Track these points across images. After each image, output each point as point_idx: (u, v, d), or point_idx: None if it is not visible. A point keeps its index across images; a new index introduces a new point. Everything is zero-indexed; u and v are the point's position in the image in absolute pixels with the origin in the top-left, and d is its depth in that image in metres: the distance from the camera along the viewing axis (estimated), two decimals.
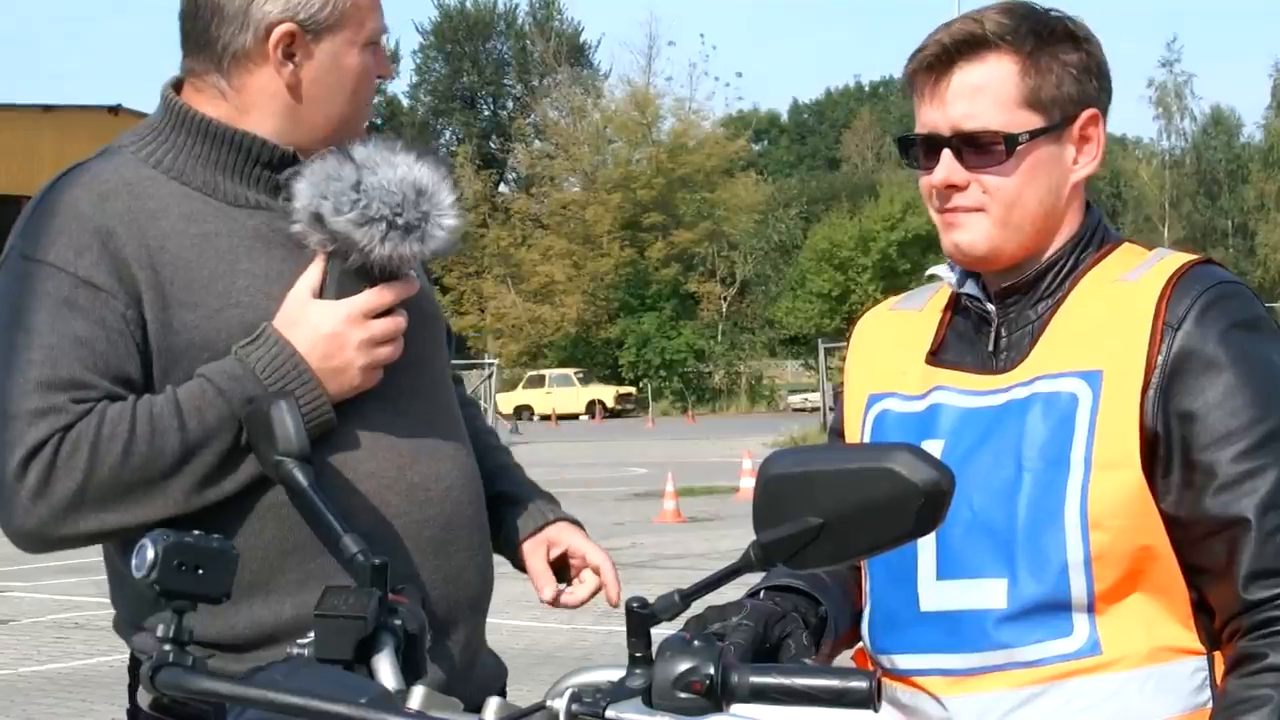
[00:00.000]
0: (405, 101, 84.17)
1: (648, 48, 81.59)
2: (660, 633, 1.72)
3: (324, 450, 2.28)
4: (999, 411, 2.22)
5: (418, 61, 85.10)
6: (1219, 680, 2.16)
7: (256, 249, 2.35)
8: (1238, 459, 2.12)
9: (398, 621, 1.93)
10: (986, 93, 2.23)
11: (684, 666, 1.66)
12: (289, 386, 2.27)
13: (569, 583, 2.64)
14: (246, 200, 2.39)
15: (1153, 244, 2.41)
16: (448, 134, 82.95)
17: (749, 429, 40.99)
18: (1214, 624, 2.18)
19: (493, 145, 79.01)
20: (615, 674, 1.75)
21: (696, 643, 1.68)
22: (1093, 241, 2.31)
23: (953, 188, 2.26)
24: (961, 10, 2.38)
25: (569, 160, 69.96)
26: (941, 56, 2.25)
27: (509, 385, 58.07)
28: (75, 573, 13.97)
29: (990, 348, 2.30)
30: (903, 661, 2.26)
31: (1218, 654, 2.18)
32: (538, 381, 59.78)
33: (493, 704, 1.79)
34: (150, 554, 1.75)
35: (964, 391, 2.27)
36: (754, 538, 1.75)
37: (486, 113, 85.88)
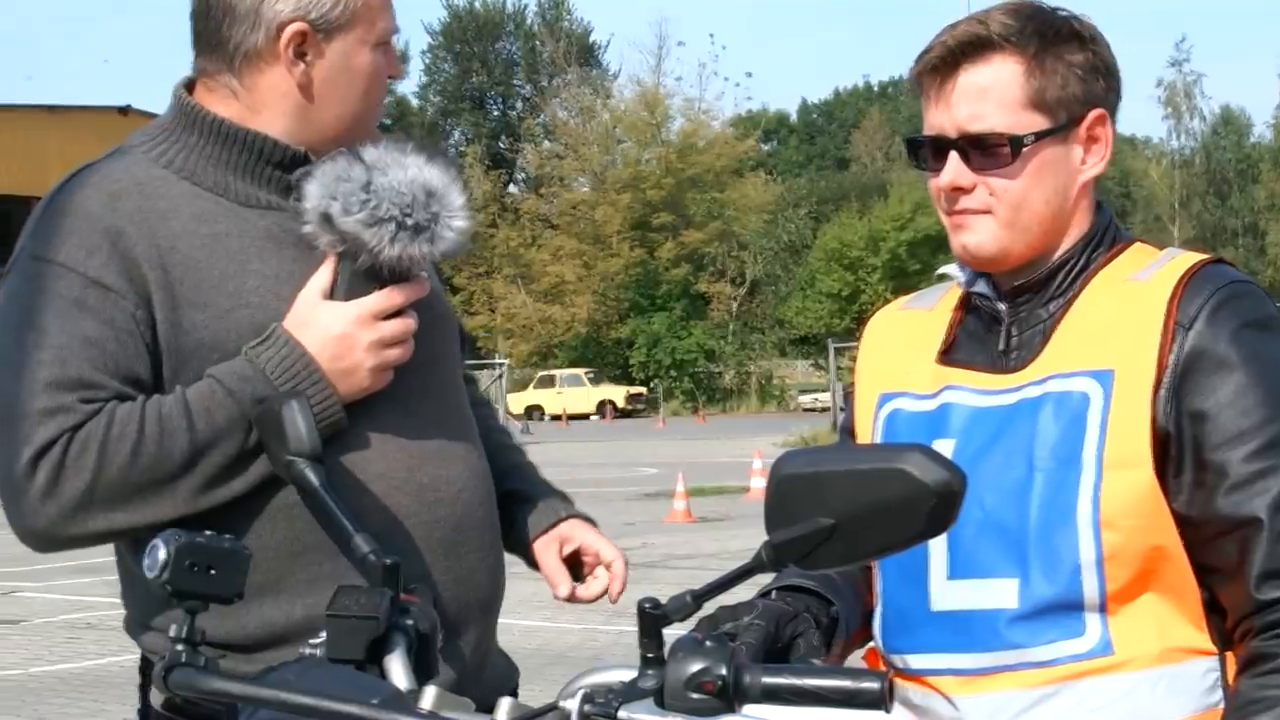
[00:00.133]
0: (414, 102, 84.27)
1: (657, 48, 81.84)
2: (672, 633, 1.72)
3: (334, 451, 2.28)
4: (1010, 411, 2.22)
5: (427, 62, 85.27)
6: (1231, 681, 2.16)
7: (267, 249, 2.35)
8: (1249, 459, 2.12)
9: (410, 622, 1.93)
10: (991, 94, 2.23)
11: (696, 667, 1.66)
12: (299, 387, 2.27)
13: (582, 580, 2.64)
14: (257, 200, 2.39)
15: (1163, 244, 2.41)
16: (457, 134, 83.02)
17: (759, 429, 40.98)
18: (1226, 624, 2.17)
19: (502, 145, 79.09)
20: (627, 674, 1.75)
21: (708, 643, 1.68)
22: (1104, 241, 2.31)
23: (959, 190, 2.26)
24: (971, 10, 2.38)
25: (578, 160, 69.98)
26: (946, 59, 2.24)
27: (519, 385, 58.12)
28: (87, 573, 13.98)
29: (1001, 347, 2.29)
30: (914, 661, 2.26)
31: (1230, 654, 2.17)
32: (548, 382, 59.80)
33: (505, 704, 1.79)
34: (162, 554, 1.75)
35: (975, 391, 2.27)
36: (765, 538, 1.75)
37: (496, 113, 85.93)
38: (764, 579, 2.05)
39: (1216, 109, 68.24)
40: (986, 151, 2.23)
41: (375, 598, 1.91)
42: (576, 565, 2.64)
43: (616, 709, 1.68)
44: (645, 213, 66.33)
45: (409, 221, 2.30)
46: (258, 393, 2.25)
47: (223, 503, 2.27)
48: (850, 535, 1.71)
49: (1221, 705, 2.16)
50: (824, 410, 47.27)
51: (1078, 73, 2.24)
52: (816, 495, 1.72)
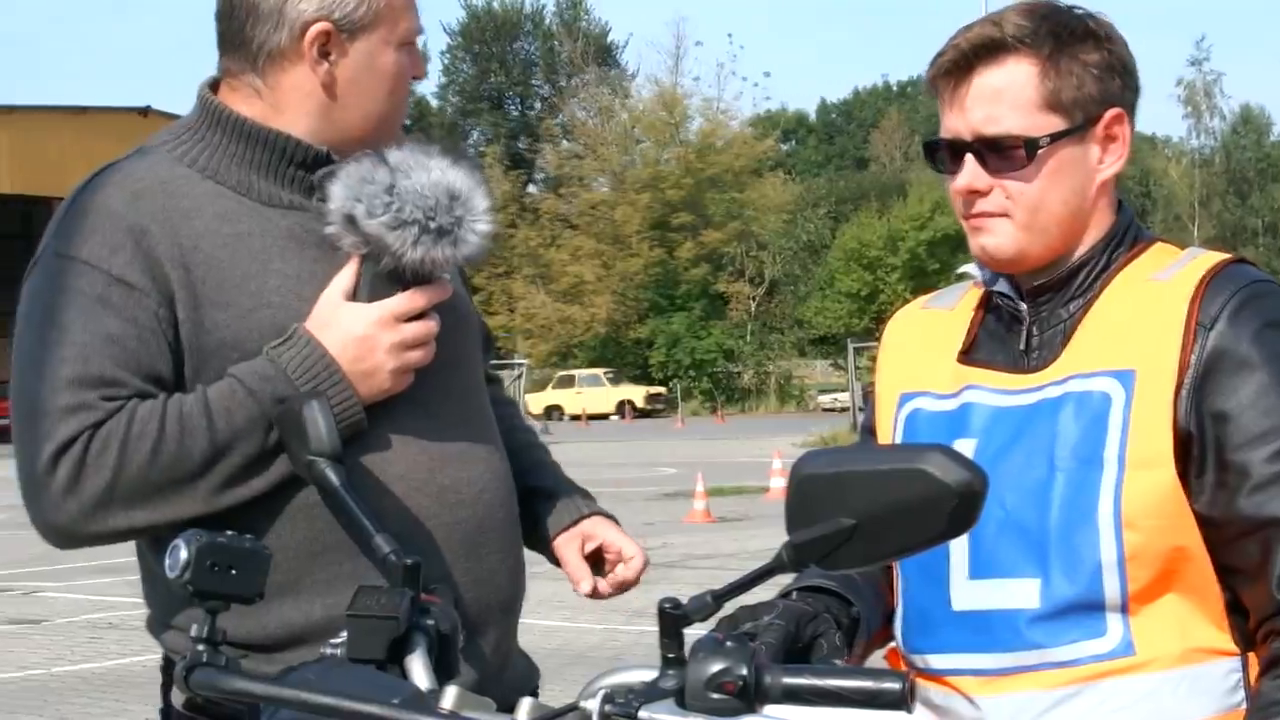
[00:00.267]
0: (434, 102, 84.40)
1: (675, 48, 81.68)
2: (692, 633, 1.72)
3: (355, 452, 2.28)
4: (1031, 410, 2.22)
5: (446, 62, 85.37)
6: (1253, 681, 2.15)
7: (290, 249, 2.36)
8: (1271, 459, 2.11)
9: (430, 622, 1.93)
10: (1005, 97, 2.22)
11: (717, 667, 1.66)
12: (320, 388, 2.27)
13: (604, 577, 2.64)
14: (280, 200, 2.39)
15: (1184, 243, 2.40)
16: (476, 134, 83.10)
17: (779, 429, 40.96)
18: (1248, 625, 2.17)
19: (521, 146, 79.11)
20: (648, 675, 1.74)
21: (729, 643, 1.68)
22: (1125, 240, 2.30)
23: (976, 193, 2.25)
24: (988, 9, 2.37)
25: (597, 160, 70.01)
26: (960, 62, 2.24)
27: (539, 385, 58.17)
28: (108, 573, 14.02)
29: (1022, 346, 2.29)
30: (935, 661, 2.26)
31: (1252, 655, 2.17)
32: (568, 382, 59.84)
33: (525, 704, 1.79)
34: (184, 554, 1.75)
35: (996, 390, 2.27)
36: (785, 538, 1.75)
37: (514, 113, 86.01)
38: (784, 579, 2.05)
39: (1236, 108, 68.11)
40: (1002, 154, 2.23)
41: (396, 598, 1.91)
42: (598, 563, 2.65)
43: (637, 709, 1.67)
44: (664, 213, 66.34)
45: (432, 224, 2.30)
46: (278, 392, 2.26)
47: (243, 502, 2.27)
48: (871, 536, 1.71)
49: (1243, 706, 2.15)
50: (843, 410, 47.21)
51: (1093, 72, 2.24)
52: (837, 495, 1.71)
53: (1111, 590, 2.13)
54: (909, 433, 2.34)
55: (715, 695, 1.66)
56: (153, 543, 2.35)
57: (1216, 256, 2.26)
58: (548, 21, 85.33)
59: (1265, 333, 2.15)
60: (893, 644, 2.38)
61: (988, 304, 2.37)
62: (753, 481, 23.61)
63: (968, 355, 2.34)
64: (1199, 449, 2.14)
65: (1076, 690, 2.15)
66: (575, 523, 2.64)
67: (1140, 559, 2.12)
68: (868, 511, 1.70)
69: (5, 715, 9.22)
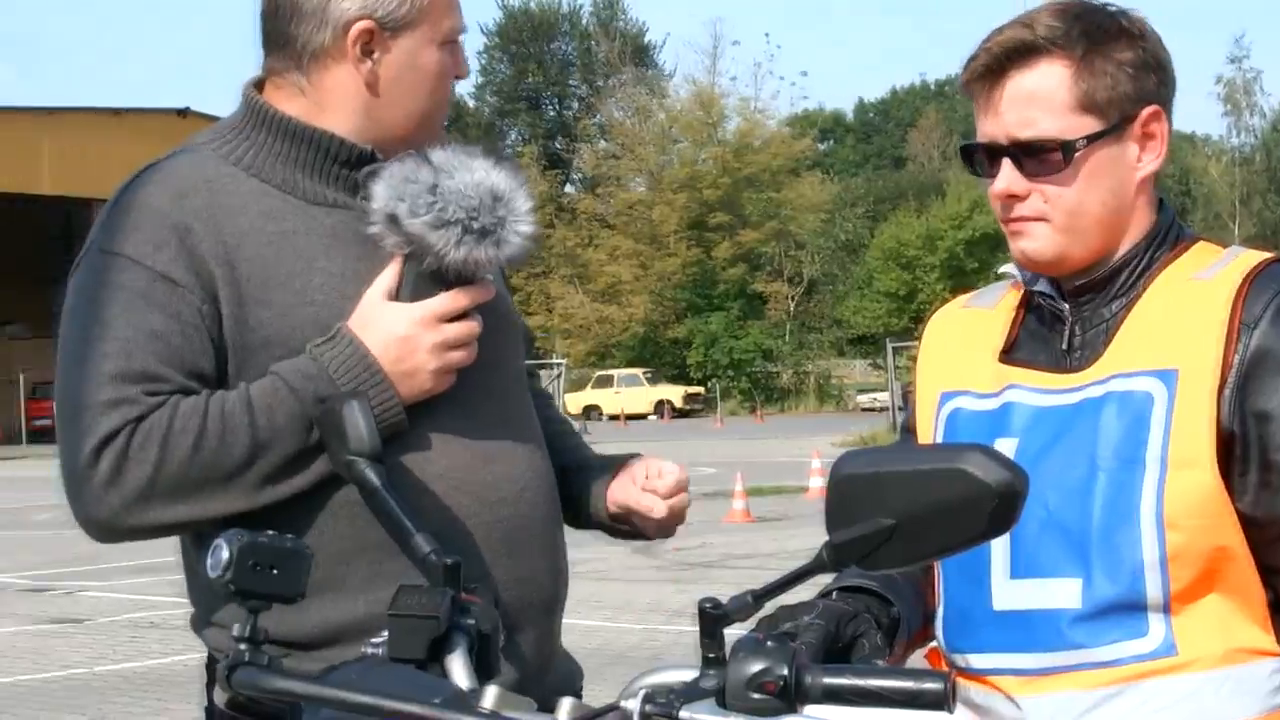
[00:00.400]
0: (471, 102, 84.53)
1: (712, 47, 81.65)
2: (731, 633, 1.72)
3: (396, 450, 2.29)
4: (1073, 410, 2.21)
5: (483, 62, 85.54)
6: None
7: (333, 248, 2.37)
8: None
9: (470, 621, 1.93)
10: (1039, 100, 2.21)
11: (758, 667, 1.66)
12: (360, 387, 2.28)
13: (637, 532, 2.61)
14: (324, 198, 2.40)
15: (1224, 241, 2.39)
16: (513, 135, 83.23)
17: (817, 428, 40.91)
18: None
19: (558, 146, 79.20)
20: (688, 674, 1.74)
21: (770, 643, 1.68)
22: (1166, 239, 2.29)
23: (1014, 197, 2.25)
24: (1025, 7, 2.36)
25: (634, 160, 70.01)
26: (992, 66, 2.23)
27: (577, 385, 58.22)
28: (149, 572, 14.10)
29: (1063, 346, 2.28)
30: (976, 661, 2.25)
31: None
32: (606, 382, 59.89)
33: (566, 704, 1.79)
34: (225, 554, 1.76)
35: (1037, 390, 2.26)
36: (823, 538, 1.74)
37: (551, 113, 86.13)
38: (824, 579, 2.05)
39: (1276, 105, 67.65)
40: (1038, 158, 2.22)
41: (436, 597, 1.91)
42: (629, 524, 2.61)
43: (678, 709, 1.67)
44: (701, 212, 66.35)
45: (475, 225, 2.31)
46: (320, 391, 2.26)
47: (283, 499, 2.28)
48: (910, 536, 1.70)
49: None
50: (882, 410, 47.15)
51: (1128, 71, 2.22)
52: (876, 495, 1.71)
53: (1153, 590, 2.12)
54: (950, 432, 2.33)
55: (756, 695, 1.65)
56: (195, 540, 2.36)
57: (1258, 255, 2.24)
58: (584, 21, 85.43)
59: None
60: (933, 644, 2.37)
61: (1028, 303, 2.36)
62: (792, 481, 23.58)
63: (1009, 355, 2.33)
64: (1242, 449, 2.13)
65: (1118, 690, 2.14)
66: (620, 468, 2.60)
67: (1182, 559, 2.11)
68: (907, 511, 1.69)
69: (49, 714, 9.28)
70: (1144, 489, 2.12)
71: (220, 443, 2.25)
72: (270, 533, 1.80)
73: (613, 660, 9.63)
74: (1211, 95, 64.68)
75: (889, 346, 43.39)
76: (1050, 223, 2.24)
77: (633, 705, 1.69)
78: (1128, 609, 2.13)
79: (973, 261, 58.92)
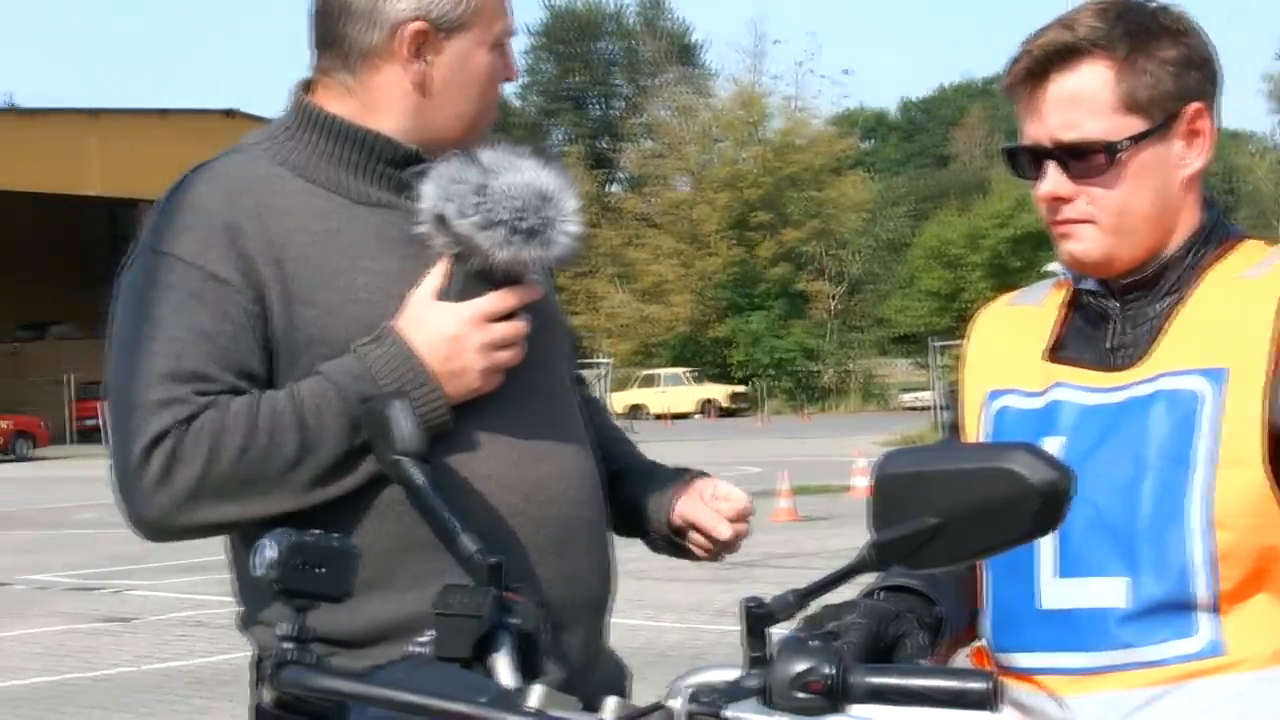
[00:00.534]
0: (516, 102, 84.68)
1: (754, 47, 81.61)
2: (774, 633, 1.72)
3: (442, 450, 2.29)
4: (1120, 409, 2.20)
5: (528, 62, 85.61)
6: None
7: (379, 247, 2.38)
8: None
9: (515, 620, 1.93)
10: (1082, 102, 2.20)
11: (802, 666, 1.65)
12: (405, 388, 2.28)
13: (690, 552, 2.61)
14: (370, 198, 2.41)
15: (1271, 239, 2.38)
16: (558, 134, 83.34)
17: (860, 427, 40.82)
18: None
19: (603, 145, 79.27)
20: (731, 674, 1.74)
21: (814, 642, 1.68)
22: (1213, 237, 2.28)
23: (1059, 200, 2.24)
24: (1071, 5, 2.35)
25: (678, 160, 69.98)
26: (1034, 68, 2.22)
27: (621, 385, 58.23)
28: (197, 571, 14.16)
29: (1110, 344, 2.27)
30: (1022, 660, 2.25)
31: None
32: (651, 381, 59.90)
33: (610, 703, 1.79)
34: (271, 553, 1.77)
35: (1084, 388, 2.25)
36: (866, 537, 1.74)
37: (596, 113, 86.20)
38: (867, 578, 2.05)
39: None
40: (1083, 160, 2.21)
41: (480, 596, 1.92)
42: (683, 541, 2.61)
43: (722, 708, 1.68)
44: (744, 211, 66.26)
45: (522, 225, 2.31)
46: (364, 391, 2.27)
47: (332, 499, 2.30)
48: (955, 535, 1.70)
49: None
50: (925, 409, 46.94)
51: (1170, 68, 2.21)
52: (920, 495, 1.71)
53: (1201, 590, 2.11)
54: (996, 430, 2.32)
55: (801, 694, 1.65)
56: (243, 539, 2.37)
57: None
58: (629, 21, 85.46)
59: None
60: (978, 643, 2.36)
61: (1075, 301, 2.35)
62: (835, 480, 23.52)
63: (1055, 353, 2.32)
64: None
65: (1165, 690, 2.13)
66: (688, 483, 2.60)
67: (1232, 558, 2.10)
68: (951, 511, 1.69)
69: (98, 712, 9.34)
70: (1192, 488, 2.11)
71: (269, 442, 2.26)
72: (317, 532, 1.81)
73: (655, 659, 9.63)
74: (1258, 93, 64.35)
75: (932, 345, 43.26)
76: (1097, 224, 2.23)
77: (677, 704, 1.69)
78: (1175, 608, 2.12)
79: (1016, 260, 58.61)
